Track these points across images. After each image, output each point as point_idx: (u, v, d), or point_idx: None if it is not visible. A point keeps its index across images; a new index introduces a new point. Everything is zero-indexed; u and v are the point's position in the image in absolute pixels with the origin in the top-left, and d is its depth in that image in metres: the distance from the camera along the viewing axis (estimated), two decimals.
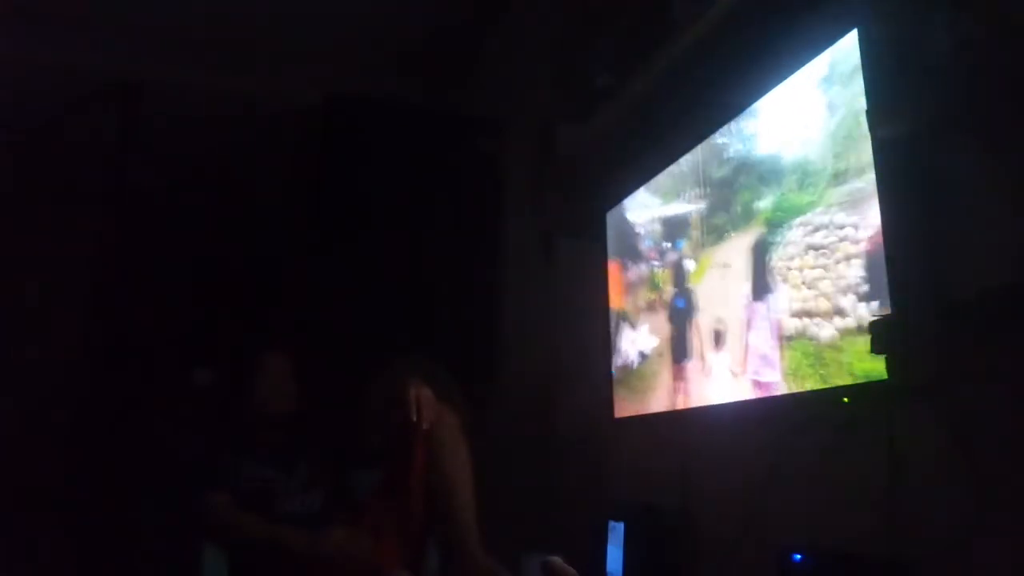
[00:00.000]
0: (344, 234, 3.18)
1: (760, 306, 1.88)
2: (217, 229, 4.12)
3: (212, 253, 4.15)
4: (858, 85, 1.56)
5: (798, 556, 1.56)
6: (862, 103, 1.53)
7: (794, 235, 1.77)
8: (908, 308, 1.37)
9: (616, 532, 2.23)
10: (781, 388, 1.78)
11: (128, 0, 3.16)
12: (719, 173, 2.11)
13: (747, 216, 1.97)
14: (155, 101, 3.43)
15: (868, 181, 1.52)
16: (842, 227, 1.62)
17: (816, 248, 1.70)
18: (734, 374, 1.97)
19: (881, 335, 1.33)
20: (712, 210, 2.14)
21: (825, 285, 1.66)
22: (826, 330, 1.64)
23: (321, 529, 1.95)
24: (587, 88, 2.53)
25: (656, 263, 2.45)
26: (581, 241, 2.86)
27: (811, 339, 1.68)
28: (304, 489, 2.13)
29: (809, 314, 1.70)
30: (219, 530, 2.02)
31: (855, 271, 1.57)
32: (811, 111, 1.74)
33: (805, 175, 1.76)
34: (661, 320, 2.38)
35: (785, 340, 1.77)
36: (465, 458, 1.98)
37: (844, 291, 1.60)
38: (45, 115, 3.61)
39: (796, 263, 1.76)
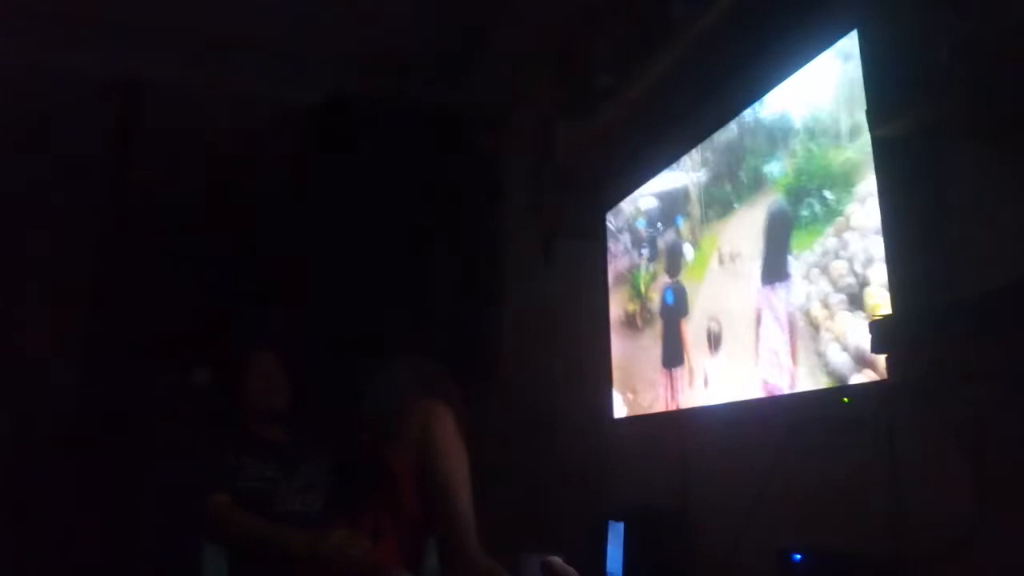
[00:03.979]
0: (344, 234, 3.19)
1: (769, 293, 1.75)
2: (217, 228, 4.12)
3: (212, 253, 4.15)
4: None
5: (798, 556, 1.56)
6: None
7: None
8: (908, 308, 1.36)
9: (616, 532, 2.23)
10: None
11: (128, 0, 3.16)
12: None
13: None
14: (155, 101, 3.43)
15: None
16: None
17: None
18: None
19: (881, 335, 1.32)
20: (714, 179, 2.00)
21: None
22: None
23: (321, 529, 1.94)
24: (587, 88, 2.53)
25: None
26: (581, 242, 2.85)
27: None
28: (304, 489, 2.13)
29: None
30: (219, 530, 2.02)
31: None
32: None
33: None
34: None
35: None
36: (463, 458, 1.97)
37: None
38: (45, 115, 3.61)
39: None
